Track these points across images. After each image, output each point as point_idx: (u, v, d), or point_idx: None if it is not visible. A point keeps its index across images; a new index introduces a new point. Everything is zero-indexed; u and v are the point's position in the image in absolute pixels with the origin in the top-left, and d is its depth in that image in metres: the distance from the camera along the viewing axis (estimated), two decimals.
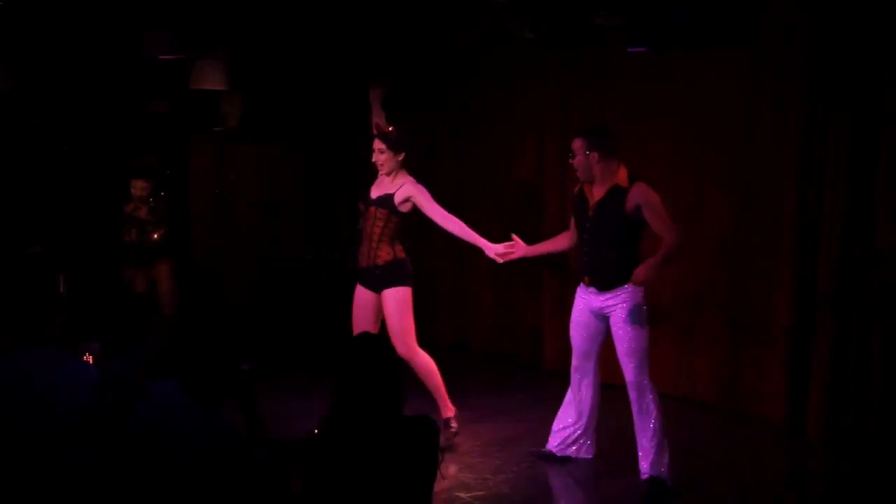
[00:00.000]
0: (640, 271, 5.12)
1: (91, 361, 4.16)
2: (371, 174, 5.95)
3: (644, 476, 5.23)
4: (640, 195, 5.18)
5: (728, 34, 5.56)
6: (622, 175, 5.26)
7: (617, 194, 5.22)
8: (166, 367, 3.58)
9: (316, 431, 3.23)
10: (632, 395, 5.28)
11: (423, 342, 5.94)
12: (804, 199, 6.03)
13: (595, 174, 5.29)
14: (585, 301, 5.44)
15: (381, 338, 3.50)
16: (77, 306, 6.74)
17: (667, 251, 5.12)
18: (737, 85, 6.52)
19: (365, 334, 3.37)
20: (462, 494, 5.22)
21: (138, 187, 7.51)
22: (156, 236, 7.54)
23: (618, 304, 5.27)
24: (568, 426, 5.68)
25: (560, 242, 5.76)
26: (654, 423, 5.21)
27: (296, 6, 7.53)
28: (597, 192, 5.31)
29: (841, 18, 5.78)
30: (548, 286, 7.79)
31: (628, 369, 5.27)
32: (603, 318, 5.38)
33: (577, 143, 5.34)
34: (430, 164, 8.64)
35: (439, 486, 3.26)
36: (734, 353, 6.64)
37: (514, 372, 7.85)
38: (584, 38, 7.20)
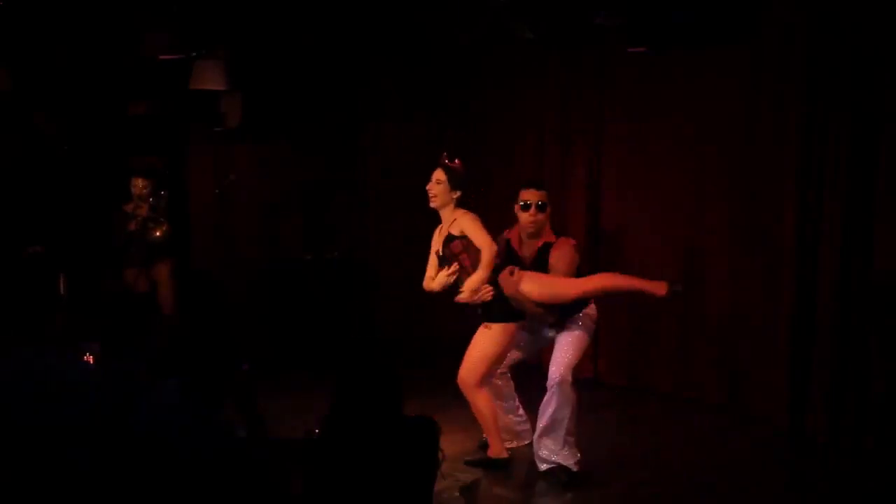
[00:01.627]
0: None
1: (91, 361, 4.15)
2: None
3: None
4: (554, 257, 5.33)
5: (728, 34, 5.56)
6: (548, 229, 5.43)
7: (545, 252, 5.38)
8: (166, 367, 3.58)
9: (316, 431, 3.23)
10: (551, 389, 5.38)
11: (423, 340, 5.95)
12: (804, 199, 6.03)
13: (542, 231, 5.44)
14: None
15: (381, 339, 3.50)
16: (77, 306, 6.74)
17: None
18: (737, 85, 6.52)
19: (365, 335, 3.37)
20: (462, 494, 5.21)
21: (138, 186, 7.50)
22: (158, 234, 7.53)
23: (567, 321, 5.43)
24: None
25: None
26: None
27: (296, 6, 7.53)
28: (528, 250, 5.47)
29: (841, 18, 5.77)
30: None
31: (559, 366, 5.36)
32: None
33: (536, 195, 5.38)
34: (430, 165, 8.65)
35: (439, 485, 3.26)
36: (734, 353, 6.64)
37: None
38: (584, 38, 7.19)
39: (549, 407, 5.31)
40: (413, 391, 5.47)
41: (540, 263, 5.36)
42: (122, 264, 7.52)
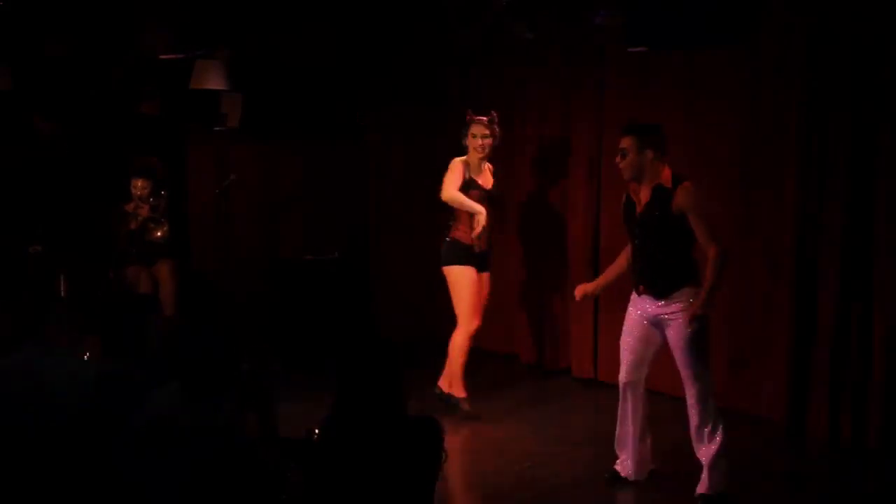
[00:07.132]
0: (690, 315, 4.92)
1: (90, 361, 4.15)
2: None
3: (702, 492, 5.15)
4: (684, 199, 4.96)
5: (728, 34, 5.55)
6: (666, 175, 5.04)
7: (660, 195, 5.01)
8: (166, 368, 3.58)
9: (317, 432, 3.23)
10: (692, 408, 5.11)
11: (424, 340, 5.94)
12: (804, 198, 6.03)
13: (644, 175, 5.06)
14: (641, 309, 5.19)
15: (383, 338, 3.49)
16: (77, 306, 6.74)
17: (711, 277, 4.89)
18: (737, 85, 6.52)
19: (367, 334, 3.37)
20: (462, 494, 5.22)
21: (138, 187, 7.51)
22: (158, 234, 7.53)
23: (676, 311, 5.03)
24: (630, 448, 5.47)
25: (621, 261, 5.45)
26: (718, 438, 5.09)
27: (296, 6, 7.54)
28: (643, 195, 5.10)
29: (841, 18, 5.78)
30: (546, 286, 7.79)
31: (688, 382, 5.08)
32: (659, 327, 5.14)
33: (629, 142, 5.07)
34: (430, 165, 8.66)
35: (440, 486, 3.26)
36: (734, 354, 6.64)
37: (514, 372, 7.85)
38: (584, 37, 7.20)
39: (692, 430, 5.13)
40: (414, 391, 5.50)
41: (652, 207, 5.04)
42: (122, 264, 7.53)
